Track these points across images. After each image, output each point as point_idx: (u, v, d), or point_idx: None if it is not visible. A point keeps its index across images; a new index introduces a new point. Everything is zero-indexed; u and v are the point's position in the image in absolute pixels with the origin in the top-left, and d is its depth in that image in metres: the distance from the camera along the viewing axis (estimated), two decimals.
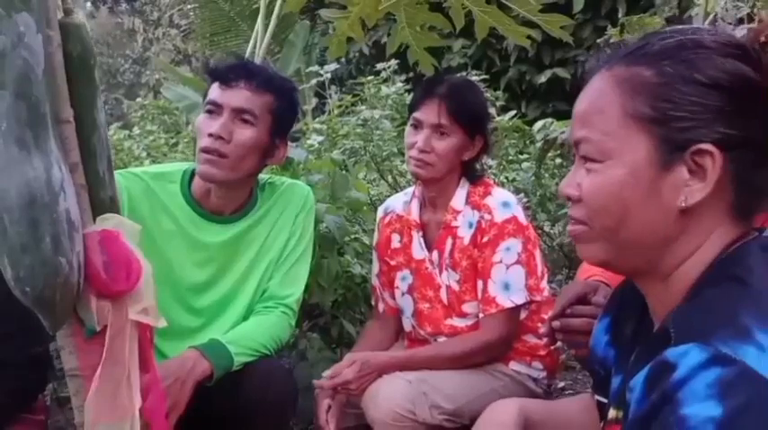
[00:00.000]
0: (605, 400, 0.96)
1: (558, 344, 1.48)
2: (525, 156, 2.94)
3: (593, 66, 0.87)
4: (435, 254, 1.78)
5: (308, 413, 1.81)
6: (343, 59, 10.40)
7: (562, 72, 7.90)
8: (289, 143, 1.65)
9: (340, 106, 3.62)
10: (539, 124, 3.25)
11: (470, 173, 1.79)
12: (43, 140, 0.99)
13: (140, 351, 1.14)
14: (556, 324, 1.26)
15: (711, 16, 2.18)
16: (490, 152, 1.96)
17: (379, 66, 4.84)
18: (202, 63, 12.37)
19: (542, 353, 1.77)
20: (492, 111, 2.71)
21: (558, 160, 2.73)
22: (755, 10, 2.18)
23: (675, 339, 0.70)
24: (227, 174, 1.52)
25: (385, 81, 4.54)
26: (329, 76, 4.65)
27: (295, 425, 1.91)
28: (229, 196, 1.60)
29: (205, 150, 1.50)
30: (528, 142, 3.25)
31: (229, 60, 1.62)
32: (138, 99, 8.27)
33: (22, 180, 0.96)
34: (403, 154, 3.23)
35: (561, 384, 2.36)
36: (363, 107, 3.29)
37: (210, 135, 1.50)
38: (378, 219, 1.94)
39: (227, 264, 1.62)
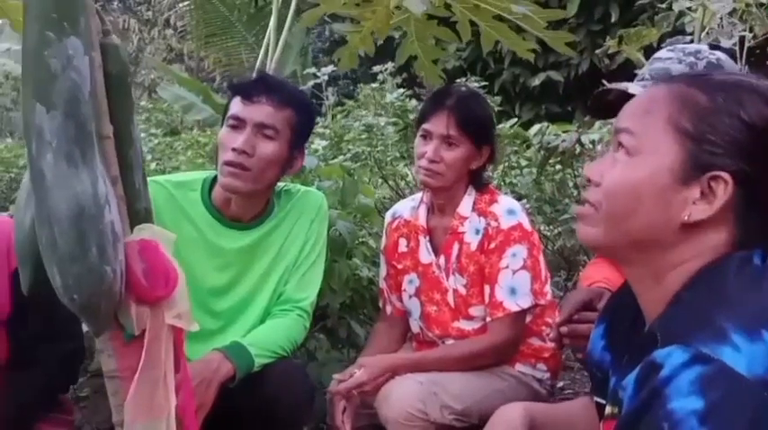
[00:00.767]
0: (603, 401, 1.04)
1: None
2: (525, 162, 3.02)
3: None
4: (442, 258, 1.85)
5: (319, 412, 1.88)
6: (337, 59, 10.48)
7: (555, 75, 8.00)
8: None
9: (342, 110, 3.68)
10: (535, 128, 3.33)
11: (477, 181, 1.86)
12: (90, 156, 1.06)
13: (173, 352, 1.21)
14: (564, 329, 1.34)
15: (706, 30, 2.26)
16: (496, 161, 2.03)
17: (376, 68, 4.92)
18: (197, 63, 12.40)
19: (546, 355, 1.85)
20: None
21: (558, 167, 2.82)
22: (750, 26, 2.26)
23: (661, 341, 0.77)
24: (249, 186, 1.59)
25: (382, 83, 4.61)
26: (326, 77, 4.72)
27: (306, 424, 1.97)
28: (249, 204, 1.67)
29: (229, 164, 1.57)
30: (525, 146, 3.33)
31: (249, 75, 1.69)
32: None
33: (70, 194, 1.03)
34: (404, 158, 3.32)
35: (560, 384, 2.44)
36: (364, 111, 3.36)
37: (234, 149, 1.56)
38: (385, 224, 2.01)
39: (246, 268, 1.69)
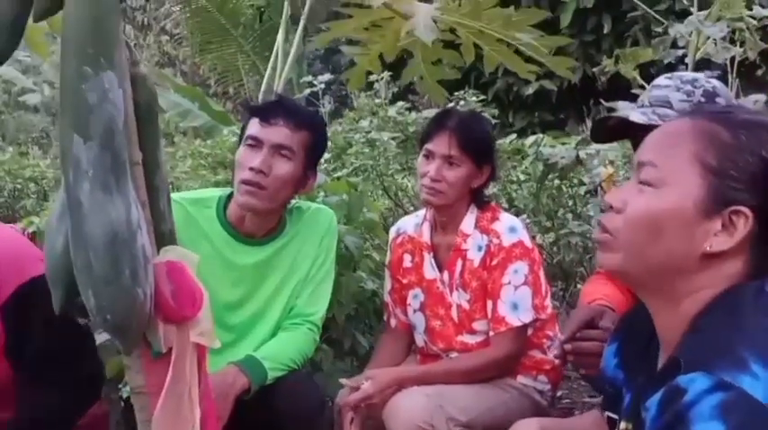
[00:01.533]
0: (615, 416, 1.10)
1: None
2: (524, 176, 3.09)
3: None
4: (446, 274, 1.92)
5: (326, 423, 1.94)
6: (330, 65, 10.53)
7: (549, 84, 8.09)
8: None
9: (340, 122, 3.73)
10: (530, 139, 3.41)
11: (479, 199, 1.92)
12: (123, 183, 1.11)
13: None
14: (568, 347, 1.41)
15: (701, 52, 2.33)
16: (497, 179, 2.10)
17: (372, 77, 4.97)
18: (191, 69, 12.43)
19: (547, 367, 1.91)
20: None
21: (557, 182, 2.89)
22: (744, 50, 2.34)
23: (684, 367, 0.83)
24: (266, 204, 1.65)
25: (376, 93, 4.67)
26: (322, 86, 4.77)
27: None
28: (263, 221, 1.73)
29: (246, 182, 1.63)
30: (521, 157, 3.41)
31: (267, 98, 1.75)
32: None
33: (106, 220, 1.08)
34: (404, 170, 3.38)
35: (559, 393, 2.50)
36: (365, 123, 3.42)
37: (251, 169, 1.63)
38: (390, 239, 2.07)
39: (258, 283, 1.75)
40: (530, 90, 8.18)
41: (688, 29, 2.28)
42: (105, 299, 1.09)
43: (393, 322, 2.04)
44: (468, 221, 1.89)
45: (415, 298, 1.97)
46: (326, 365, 2.26)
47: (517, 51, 1.95)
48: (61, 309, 1.22)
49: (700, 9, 2.46)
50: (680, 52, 2.66)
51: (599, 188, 2.98)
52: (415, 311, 1.97)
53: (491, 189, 2.65)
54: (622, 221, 0.94)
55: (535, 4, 7.55)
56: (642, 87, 2.39)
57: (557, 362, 1.89)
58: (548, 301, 1.93)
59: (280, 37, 2.43)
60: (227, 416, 1.50)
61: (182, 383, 1.21)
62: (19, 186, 4.31)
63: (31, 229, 2.60)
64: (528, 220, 2.78)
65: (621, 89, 3.26)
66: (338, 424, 1.79)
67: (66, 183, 1.09)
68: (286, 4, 2.30)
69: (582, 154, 2.63)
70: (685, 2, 2.62)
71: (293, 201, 1.83)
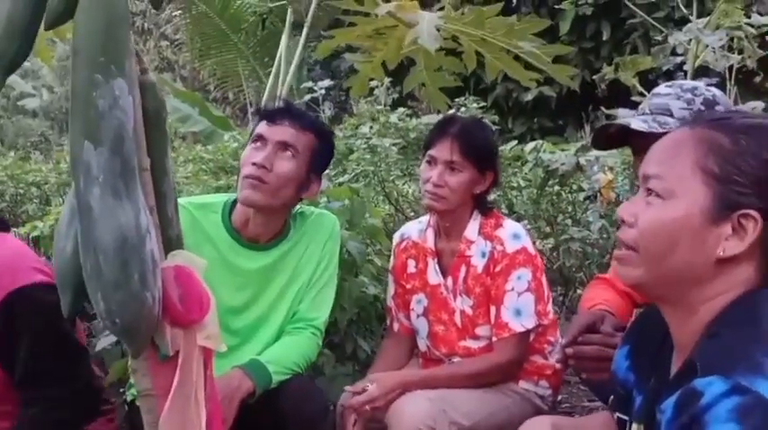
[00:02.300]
0: (624, 417, 1.12)
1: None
2: (525, 183, 3.11)
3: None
4: (450, 280, 1.93)
5: (329, 426, 1.95)
6: (330, 71, 10.57)
7: (548, 90, 8.12)
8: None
9: (341, 128, 3.76)
10: (530, 145, 3.43)
11: (482, 205, 1.94)
12: (132, 189, 1.13)
13: None
14: (569, 351, 1.42)
15: (700, 60, 2.36)
16: (500, 186, 2.12)
17: (373, 83, 5.00)
18: (191, 74, 12.46)
19: (548, 372, 1.93)
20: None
21: (557, 188, 2.91)
22: (743, 58, 2.37)
23: (701, 371, 0.84)
24: (266, 199, 1.67)
25: (376, 99, 4.70)
26: (323, 92, 4.80)
27: None
28: (266, 224, 1.74)
29: (248, 177, 1.66)
30: (521, 163, 3.43)
31: (271, 103, 1.77)
32: None
33: (115, 225, 1.10)
34: (405, 176, 3.40)
35: (558, 398, 2.52)
36: (366, 129, 3.44)
37: (254, 164, 1.66)
38: (394, 245, 2.09)
39: (262, 288, 1.76)
40: (529, 96, 8.20)
41: (687, 37, 2.30)
42: (114, 303, 1.10)
43: (396, 326, 2.05)
44: (472, 228, 1.91)
45: (418, 303, 1.99)
46: (328, 369, 2.28)
47: (517, 58, 1.98)
48: (70, 314, 1.23)
49: (698, 17, 2.49)
50: (678, 59, 2.69)
51: (598, 194, 3.00)
52: (418, 316, 1.99)
53: (491, 195, 2.67)
54: (637, 235, 0.96)
55: (535, 12, 7.58)
56: (641, 94, 2.42)
57: (558, 366, 1.90)
58: (549, 307, 1.94)
59: (283, 43, 2.46)
60: (233, 418, 1.51)
61: (188, 386, 1.23)
62: (21, 191, 4.32)
63: (33, 234, 2.61)
64: (528, 226, 2.80)
65: (621, 96, 3.29)
66: (340, 427, 1.81)
67: (77, 188, 1.11)
68: (289, 11, 2.32)
69: (582, 160, 2.65)
70: (684, 10, 2.64)
71: (297, 207, 1.85)
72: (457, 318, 1.91)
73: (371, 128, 3.29)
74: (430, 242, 1.97)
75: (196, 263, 1.26)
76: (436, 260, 1.95)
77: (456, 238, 1.92)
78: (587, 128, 5.62)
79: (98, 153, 1.09)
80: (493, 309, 1.85)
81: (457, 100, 3.70)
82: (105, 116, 1.09)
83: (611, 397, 1.18)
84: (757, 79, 6.73)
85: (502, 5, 1.81)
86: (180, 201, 1.75)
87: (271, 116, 1.71)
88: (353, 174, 2.94)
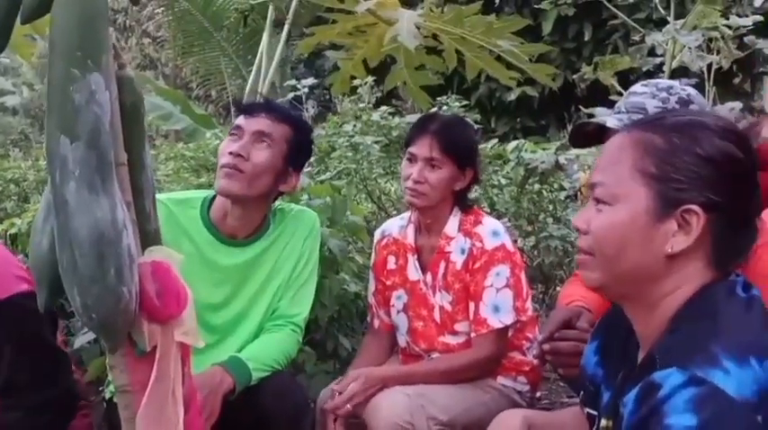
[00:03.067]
0: (594, 412, 1.13)
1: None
2: (506, 181, 3.13)
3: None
4: (429, 276, 1.94)
5: (309, 423, 1.95)
6: (314, 70, 10.56)
7: (531, 90, 8.16)
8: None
9: (323, 127, 3.76)
10: (512, 144, 3.45)
11: (462, 202, 1.95)
12: (109, 184, 1.13)
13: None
14: (546, 347, 1.44)
15: (677, 59, 2.39)
16: (480, 183, 2.13)
17: (356, 82, 5.00)
18: (173, 71, 12.38)
19: (526, 368, 1.94)
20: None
21: (537, 186, 2.93)
22: (719, 59, 2.40)
23: (660, 364, 0.87)
24: (243, 189, 1.67)
25: (360, 97, 4.70)
26: (306, 90, 4.79)
27: None
28: (244, 218, 1.74)
29: (225, 166, 1.67)
30: (503, 162, 3.45)
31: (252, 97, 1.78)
32: None
33: (91, 220, 1.09)
34: (388, 174, 3.41)
35: (538, 394, 2.53)
36: (349, 127, 3.44)
37: (231, 153, 1.67)
38: (375, 242, 2.10)
39: (241, 284, 1.76)
40: (512, 96, 8.25)
41: (665, 37, 2.33)
42: (91, 297, 1.10)
43: (376, 323, 2.06)
44: (452, 224, 1.92)
45: (398, 299, 1.99)
46: (309, 367, 2.28)
47: (499, 58, 1.99)
48: (46, 309, 1.23)
49: (676, 18, 2.52)
50: (658, 60, 2.72)
51: (578, 193, 3.03)
52: (398, 312, 1.99)
53: (473, 193, 2.69)
54: (591, 240, 1.00)
55: (518, 12, 7.62)
56: (620, 94, 2.44)
57: (536, 363, 1.92)
58: (528, 304, 1.96)
59: (264, 40, 2.45)
60: (218, 414, 1.51)
61: (166, 382, 1.22)
62: (0, 188, 4.28)
63: (11, 231, 2.59)
64: (509, 224, 2.82)
65: (601, 95, 3.32)
66: (320, 424, 1.81)
67: (53, 182, 1.10)
68: (271, 8, 2.32)
69: (562, 159, 2.67)
70: (663, 11, 2.68)
71: (276, 203, 1.85)
72: (436, 314, 1.92)
73: (355, 126, 3.29)
74: (410, 238, 1.98)
75: (173, 258, 1.26)
76: (416, 256, 1.96)
77: (436, 235, 1.94)
78: (569, 128, 5.66)
79: (74, 147, 1.09)
80: (471, 306, 1.86)
81: (439, 99, 3.71)
82: (82, 110, 1.09)
83: (582, 392, 1.19)
84: (736, 80, 6.84)
85: (482, 4, 1.84)
86: (158, 196, 1.75)
87: (248, 109, 1.73)
88: (335, 171, 2.94)
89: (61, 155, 1.09)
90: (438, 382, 1.82)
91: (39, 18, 1.17)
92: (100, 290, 1.09)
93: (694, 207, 0.93)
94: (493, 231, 1.88)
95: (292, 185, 1.80)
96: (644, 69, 2.98)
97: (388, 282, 2.01)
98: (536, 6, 7.24)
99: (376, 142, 3.06)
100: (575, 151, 2.72)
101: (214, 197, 1.75)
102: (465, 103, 3.66)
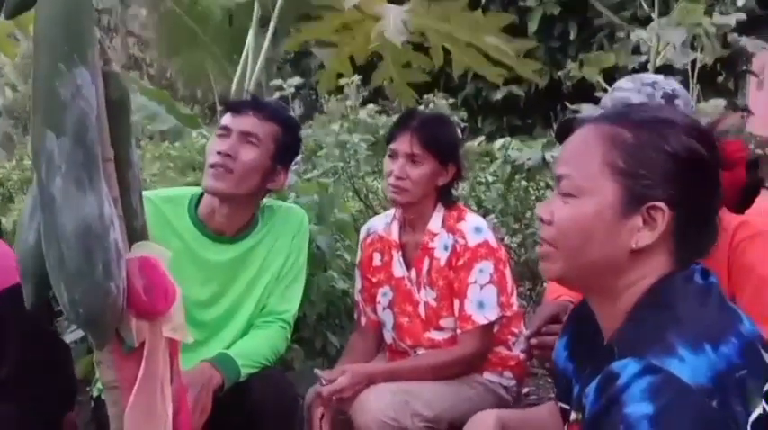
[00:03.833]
0: (568, 407, 1.14)
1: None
2: (492, 178, 3.15)
3: (584, 119, 1.06)
4: (414, 272, 1.95)
5: (298, 420, 1.95)
6: (300, 70, 10.55)
7: (517, 89, 8.22)
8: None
9: (310, 126, 3.76)
10: (498, 142, 3.47)
11: (445, 198, 1.96)
12: (96, 179, 1.12)
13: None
14: (533, 341, 1.45)
15: (662, 56, 2.41)
16: (463, 178, 2.14)
17: (342, 81, 5.00)
18: (158, 72, 12.33)
19: (512, 363, 1.95)
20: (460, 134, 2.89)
21: (524, 183, 2.94)
22: (703, 57, 2.43)
23: (618, 354, 0.88)
24: (231, 188, 1.67)
25: (346, 97, 4.71)
26: (292, 90, 4.79)
27: None
28: (232, 215, 1.74)
29: (213, 165, 1.67)
30: (490, 160, 3.47)
31: (239, 95, 1.77)
32: None
33: (78, 215, 1.09)
34: (375, 172, 3.42)
35: (525, 390, 2.55)
36: (335, 126, 3.45)
37: (219, 152, 1.66)
38: (360, 239, 2.10)
39: (230, 281, 1.76)
40: (498, 95, 8.30)
41: (649, 34, 2.35)
42: (78, 293, 1.09)
43: (363, 321, 2.06)
44: (436, 220, 1.93)
45: (384, 296, 2.00)
46: (298, 364, 2.28)
47: (486, 56, 2.01)
48: (32, 304, 1.22)
49: (661, 16, 2.54)
50: (643, 59, 2.74)
51: None
52: (384, 309, 2.00)
53: (459, 190, 2.70)
54: (555, 232, 1.00)
55: (503, 11, 7.66)
56: (606, 91, 2.45)
57: (522, 357, 1.93)
58: (513, 299, 1.97)
59: (250, 39, 2.44)
60: (209, 409, 1.51)
61: (154, 378, 1.22)
62: None
63: None
64: (496, 221, 2.83)
65: (587, 94, 3.34)
66: (308, 421, 1.81)
67: (39, 178, 1.10)
68: (256, 5, 2.31)
69: (548, 156, 2.68)
70: (647, 8, 2.70)
71: (264, 200, 1.85)
72: (421, 310, 1.93)
73: (342, 125, 3.30)
74: (395, 235, 1.99)
75: (161, 254, 1.26)
76: (401, 253, 1.97)
77: (420, 231, 1.94)
78: (555, 126, 5.70)
79: (60, 143, 1.08)
80: (456, 303, 1.87)
81: (426, 96, 3.72)
82: (68, 105, 1.08)
83: (556, 387, 1.20)
84: (719, 79, 6.90)
85: (467, 3, 1.85)
86: (145, 193, 1.74)
87: (235, 107, 1.72)
88: (323, 170, 2.94)
89: (47, 150, 1.08)
90: (424, 378, 1.82)
91: (23, 12, 1.16)
92: (87, 285, 1.09)
93: (660, 204, 0.94)
94: (475, 227, 1.89)
95: (280, 183, 1.80)
96: (629, 67, 3.00)
97: (374, 279, 2.02)
98: (521, 4, 7.29)
99: (363, 140, 3.06)
100: (561, 148, 2.73)
101: (202, 194, 1.75)
102: (452, 101, 3.66)
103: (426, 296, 1.92)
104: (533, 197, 3.27)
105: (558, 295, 1.67)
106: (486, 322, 1.86)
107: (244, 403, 1.59)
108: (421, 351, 1.94)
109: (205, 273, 1.74)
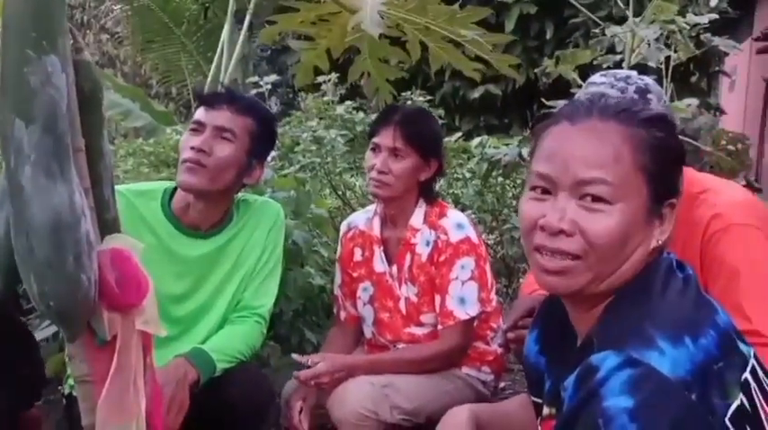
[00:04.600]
0: (539, 400, 1.14)
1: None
2: (469, 174, 3.15)
3: (570, 113, 1.00)
4: (395, 268, 1.94)
5: (274, 415, 1.94)
6: (277, 67, 10.49)
7: (494, 88, 8.25)
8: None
9: (289, 122, 3.74)
10: (476, 140, 3.48)
11: (427, 193, 1.96)
12: (66, 169, 1.10)
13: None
14: (510, 335, 1.45)
15: (636, 53, 2.43)
16: (445, 174, 2.14)
17: (320, 78, 4.98)
18: (132, 69, 12.18)
19: (490, 358, 1.96)
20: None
21: (501, 179, 2.95)
22: (675, 50, 2.45)
23: (597, 347, 0.87)
24: (205, 184, 1.64)
25: (324, 94, 4.69)
26: (269, 87, 4.76)
27: (265, 425, 2.03)
28: (207, 211, 1.72)
29: (187, 161, 1.64)
30: (467, 158, 3.48)
31: (213, 87, 1.75)
32: None
33: (48, 205, 1.07)
34: (352, 169, 3.40)
35: (502, 384, 2.56)
36: (313, 122, 3.43)
37: (192, 148, 1.63)
38: (341, 234, 2.09)
39: (204, 276, 1.74)
40: (476, 94, 8.33)
41: (624, 30, 2.37)
42: (48, 284, 1.07)
43: (342, 315, 2.05)
44: (418, 216, 1.93)
45: (364, 291, 1.99)
46: (274, 361, 2.27)
47: (463, 52, 2.00)
48: (2, 295, 1.20)
49: (636, 16, 2.56)
50: (618, 57, 2.76)
51: None
52: (364, 304, 1.99)
53: (437, 187, 2.70)
54: (583, 244, 0.92)
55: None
56: (581, 87, 2.47)
57: (499, 352, 1.94)
58: (493, 295, 1.97)
59: (225, 33, 2.42)
60: (187, 405, 1.49)
61: (127, 371, 1.20)
62: None
63: None
64: (474, 216, 2.84)
65: (563, 92, 3.36)
66: (285, 416, 1.80)
67: (7, 167, 1.07)
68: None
69: (524, 152, 2.69)
70: (622, 5, 2.72)
71: (239, 194, 1.83)
72: (402, 306, 1.93)
73: (319, 121, 3.28)
74: (376, 230, 1.98)
75: (134, 246, 1.24)
76: (382, 248, 1.96)
77: (402, 226, 1.94)
78: (531, 124, 5.74)
79: (30, 131, 1.06)
80: (438, 298, 1.87)
81: (404, 94, 3.72)
82: (37, 93, 1.06)
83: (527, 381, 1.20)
84: (693, 79, 7.00)
85: (445, 1, 1.84)
86: (117, 187, 1.71)
87: (209, 101, 1.69)
88: (299, 166, 2.93)
89: (16, 138, 1.06)
90: (405, 372, 1.82)
91: None
92: (57, 277, 1.07)
93: (674, 200, 0.95)
94: (457, 224, 1.89)
95: (256, 177, 1.78)
96: (604, 66, 3.02)
97: (355, 274, 2.01)
98: (498, 0, 7.32)
99: (341, 135, 3.05)
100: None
101: (175, 188, 1.72)
102: (429, 98, 3.67)
103: (407, 291, 1.92)
104: (510, 194, 3.28)
105: (533, 289, 1.67)
106: (467, 317, 1.86)
107: (219, 398, 1.57)
108: (400, 346, 1.94)
109: (179, 267, 1.71)
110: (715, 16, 2.79)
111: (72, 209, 1.09)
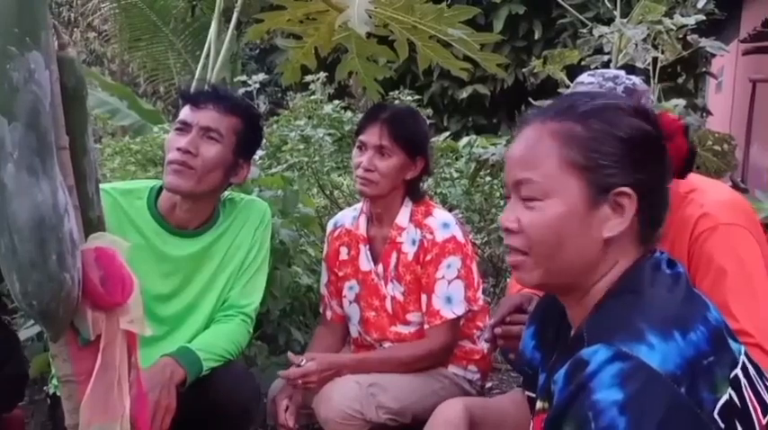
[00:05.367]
0: (534, 395, 1.15)
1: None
2: (457, 174, 3.15)
3: (526, 117, 1.04)
4: (381, 267, 1.94)
5: (260, 414, 1.93)
6: (265, 66, 10.46)
7: (482, 88, 8.25)
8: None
9: (276, 120, 3.72)
10: (464, 140, 3.49)
11: (413, 192, 1.95)
12: (50, 167, 1.09)
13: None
14: (498, 330, 1.45)
15: (623, 53, 2.44)
16: (431, 174, 2.14)
17: (308, 78, 4.98)
18: (120, 67, 12.10)
19: (477, 357, 1.96)
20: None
21: (488, 178, 2.96)
22: (662, 50, 2.47)
23: (588, 341, 0.88)
24: (192, 185, 1.63)
25: (312, 93, 4.68)
26: (257, 86, 4.75)
27: (252, 424, 2.02)
28: (193, 210, 1.71)
29: (173, 162, 1.62)
30: (455, 158, 3.48)
31: (199, 86, 1.73)
32: None
33: (31, 203, 1.05)
34: (340, 168, 3.40)
35: (489, 384, 2.56)
36: (301, 122, 3.42)
37: (179, 149, 1.62)
38: (327, 233, 2.08)
39: (191, 275, 1.73)
40: (464, 94, 8.33)
41: (611, 31, 2.38)
42: (31, 283, 1.06)
43: (329, 314, 2.05)
44: (404, 214, 1.92)
45: (350, 289, 1.99)
46: (261, 360, 2.26)
47: (451, 51, 2.00)
48: None
49: (623, 16, 2.58)
50: (606, 58, 2.78)
51: None
52: (350, 303, 1.99)
53: (425, 186, 2.69)
54: (525, 239, 0.98)
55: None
56: (569, 87, 2.47)
57: (486, 351, 1.94)
58: (479, 294, 1.97)
59: (212, 30, 2.40)
60: (175, 406, 1.48)
61: (111, 371, 1.19)
62: None
63: None
64: (461, 215, 2.84)
65: (551, 92, 3.38)
66: (271, 414, 1.79)
67: None
68: None
69: None
70: (609, 6, 2.74)
71: (226, 193, 1.82)
72: (388, 304, 1.92)
73: (307, 120, 3.27)
74: (362, 229, 1.98)
75: (119, 245, 1.22)
76: (368, 247, 1.96)
77: (388, 225, 1.93)
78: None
79: (12, 128, 1.05)
80: (424, 298, 1.87)
81: (392, 93, 3.71)
82: (20, 90, 1.05)
83: (522, 376, 1.21)
84: (680, 80, 7.04)
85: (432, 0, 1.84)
86: (103, 186, 1.70)
87: (194, 100, 1.67)
88: (287, 165, 2.92)
89: None
90: (391, 371, 1.82)
91: None
92: (40, 276, 1.06)
93: (626, 189, 0.95)
94: (443, 223, 1.89)
95: (243, 177, 1.77)
96: (592, 66, 3.03)
97: (341, 273, 2.00)
98: (487, 1, 7.33)
99: (328, 134, 3.04)
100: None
101: (161, 187, 1.71)
102: (417, 97, 3.66)
103: (393, 290, 1.92)
104: (498, 194, 3.28)
105: (521, 287, 1.68)
106: (453, 317, 1.86)
107: (206, 397, 1.56)
108: (387, 345, 1.94)
109: (165, 267, 1.70)
110: (702, 17, 2.81)
111: (55, 207, 1.07)
